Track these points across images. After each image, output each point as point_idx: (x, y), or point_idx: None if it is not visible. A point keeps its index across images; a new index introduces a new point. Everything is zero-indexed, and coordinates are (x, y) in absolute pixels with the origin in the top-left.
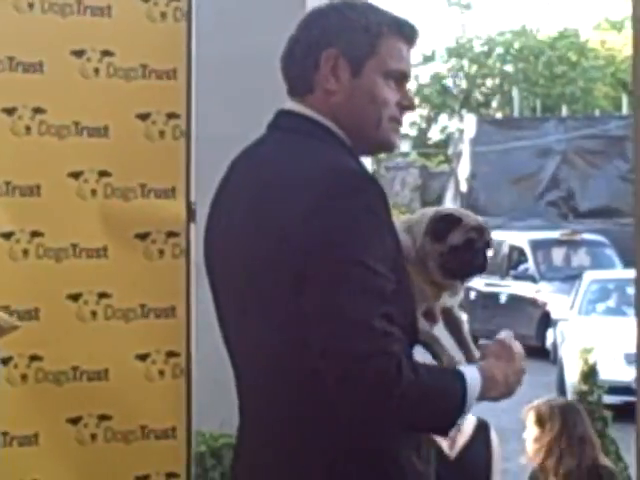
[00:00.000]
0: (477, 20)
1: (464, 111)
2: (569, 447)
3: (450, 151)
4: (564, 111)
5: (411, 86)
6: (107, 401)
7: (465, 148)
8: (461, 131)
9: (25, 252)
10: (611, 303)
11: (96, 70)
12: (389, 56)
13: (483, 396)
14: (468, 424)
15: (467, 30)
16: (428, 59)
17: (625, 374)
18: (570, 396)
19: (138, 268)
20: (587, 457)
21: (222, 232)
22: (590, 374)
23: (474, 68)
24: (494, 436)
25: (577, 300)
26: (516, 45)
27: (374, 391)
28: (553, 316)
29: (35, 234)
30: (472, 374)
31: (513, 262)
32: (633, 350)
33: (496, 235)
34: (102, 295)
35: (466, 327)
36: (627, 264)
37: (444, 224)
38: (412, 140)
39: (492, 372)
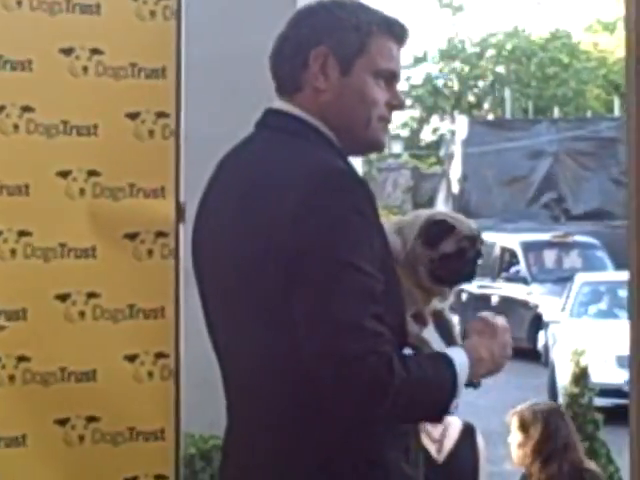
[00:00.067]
0: (469, 21)
1: (456, 112)
2: (553, 452)
3: (442, 152)
4: (556, 113)
5: (403, 87)
6: (95, 402)
7: (457, 149)
8: (453, 132)
9: (13, 252)
10: (603, 305)
11: (85, 68)
12: (379, 55)
13: (472, 377)
14: (454, 428)
15: (459, 31)
16: (420, 60)
17: (616, 377)
18: (561, 398)
19: (127, 268)
20: (571, 461)
21: (210, 232)
22: (581, 377)
23: (466, 69)
24: (480, 440)
25: (569, 302)
26: (508, 46)
27: (367, 391)
28: (545, 318)
29: (23, 233)
30: (460, 358)
31: (505, 264)
32: (624, 352)
33: (488, 237)
34: (90, 295)
35: (457, 329)
36: (619, 266)
37: (437, 230)
38: (404, 141)
39: (478, 351)
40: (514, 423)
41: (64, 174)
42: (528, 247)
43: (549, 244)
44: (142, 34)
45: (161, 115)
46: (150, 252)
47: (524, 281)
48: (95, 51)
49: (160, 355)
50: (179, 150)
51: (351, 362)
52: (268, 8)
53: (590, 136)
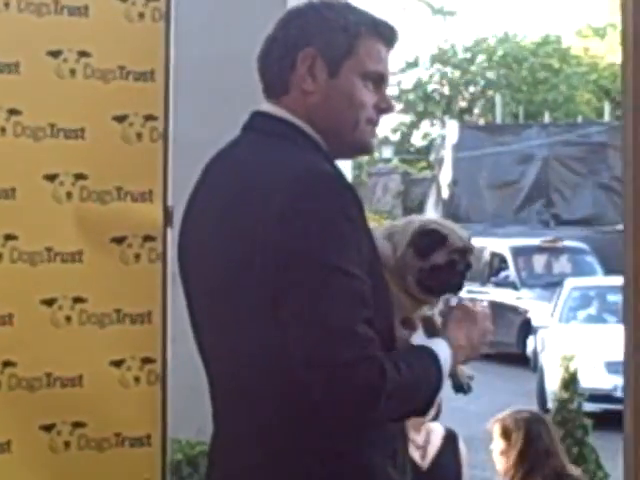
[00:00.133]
0: (460, 26)
1: (447, 117)
2: (535, 459)
3: (432, 157)
4: (546, 118)
5: (393, 92)
6: (81, 408)
7: (447, 154)
8: (443, 137)
9: None
10: (592, 310)
11: (73, 71)
12: (367, 57)
13: (452, 366)
14: (437, 434)
15: (450, 36)
16: (411, 65)
17: (605, 382)
18: (550, 404)
19: (114, 273)
20: (553, 468)
21: (196, 236)
22: (571, 382)
23: (457, 74)
24: (462, 446)
25: (558, 307)
26: (499, 52)
27: (360, 397)
28: (534, 323)
29: (9, 237)
30: (444, 352)
31: (494, 269)
32: (613, 358)
33: (477, 242)
34: (77, 300)
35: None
36: (608, 271)
37: (428, 241)
38: (394, 146)
39: (457, 340)
40: (496, 430)
41: (51, 177)
42: (517, 252)
43: (539, 249)
44: (130, 36)
45: (149, 118)
46: (137, 256)
47: (513, 286)
48: (83, 53)
49: (147, 360)
50: (167, 153)
51: (344, 368)
52: (258, 10)
53: (580, 141)
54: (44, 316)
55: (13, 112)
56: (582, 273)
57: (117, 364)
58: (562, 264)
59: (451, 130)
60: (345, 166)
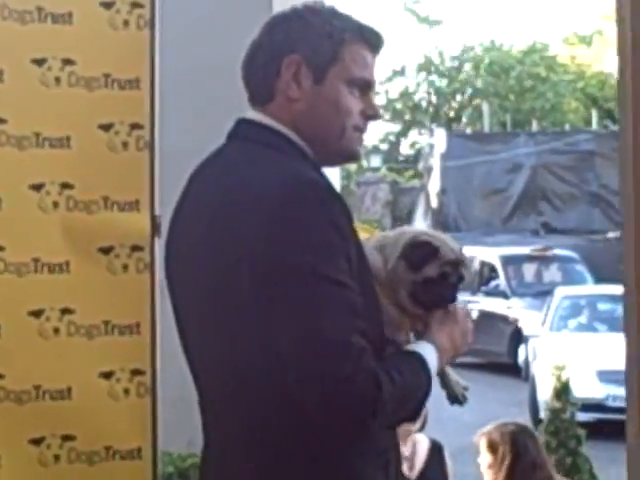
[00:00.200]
0: (447, 35)
1: (434, 126)
2: (522, 472)
3: (421, 166)
4: (534, 126)
5: (381, 101)
6: (70, 421)
7: (435, 163)
8: (431, 146)
9: None
10: (582, 319)
11: (57, 79)
12: (352, 63)
13: (438, 369)
14: (422, 446)
15: (437, 45)
16: (398, 74)
17: (597, 391)
18: (543, 413)
19: (101, 283)
20: None
21: (182, 247)
22: (563, 391)
23: (444, 83)
24: (448, 457)
25: (549, 316)
26: (486, 60)
27: (358, 410)
28: (525, 332)
29: None
30: (431, 356)
31: (484, 278)
32: (605, 367)
33: (467, 251)
34: (65, 311)
35: None
36: (598, 280)
37: (420, 253)
38: (382, 155)
39: (441, 342)
40: (482, 444)
41: (37, 187)
42: (507, 261)
43: (528, 258)
44: (115, 44)
45: (135, 127)
46: (125, 267)
47: (504, 295)
48: (67, 61)
49: (136, 372)
50: (154, 162)
51: (340, 381)
52: (244, 17)
53: (568, 149)
54: (32, 328)
55: None
56: (572, 282)
57: (106, 376)
58: (552, 273)
59: (439, 139)
60: (333, 175)
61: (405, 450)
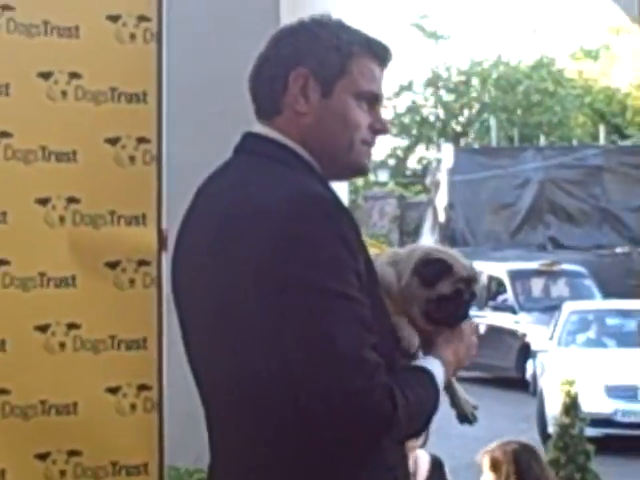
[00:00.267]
0: (455, 50)
1: (442, 141)
2: None
3: (428, 181)
4: (542, 141)
5: (388, 116)
6: (76, 436)
7: (443, 178)
8: (439, 161)
9: None
10: (591, 334)
11: (64, 93)
12: (360, 76)
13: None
14: (423, 461)
15: (445, 60)
16: (405, 89)
17: (605, 406)
18: (551, 429)
19: (108, 298)
20: None
21: (189, 262)
22: (572, 407)
23: (452, 98)
24: (448, 473)
25: (557, 331)
26: (494, 75)
27: (373, 426)
28: (533, 347)
29: (1, 262)
30: (439, 371)
31: (492, 293)
32: (613, 382)
33: (474, 265)
34: (71, 326)
35: None
36: (606, 295)
37: (434, 270)
38: (390, 170)
39: (447, 359)
40: (485, 463)
41: (43, 201)
42: (515, 276)
43: (536, 272)
44: (122, 57)
45: (142, 140)
46: (132, 281)
47: (512, 310)
48: (74, 75)
49: (143, 387)
50: (161, 176)
51: (355, 397)
52: (251, 31)
53: (576, 164)
54: (38, 342)
55: (3, 135)
56: (580, 296)
57: (113, 391)
58: (560, 287)
59: (447, 153)
60: (342, 189)
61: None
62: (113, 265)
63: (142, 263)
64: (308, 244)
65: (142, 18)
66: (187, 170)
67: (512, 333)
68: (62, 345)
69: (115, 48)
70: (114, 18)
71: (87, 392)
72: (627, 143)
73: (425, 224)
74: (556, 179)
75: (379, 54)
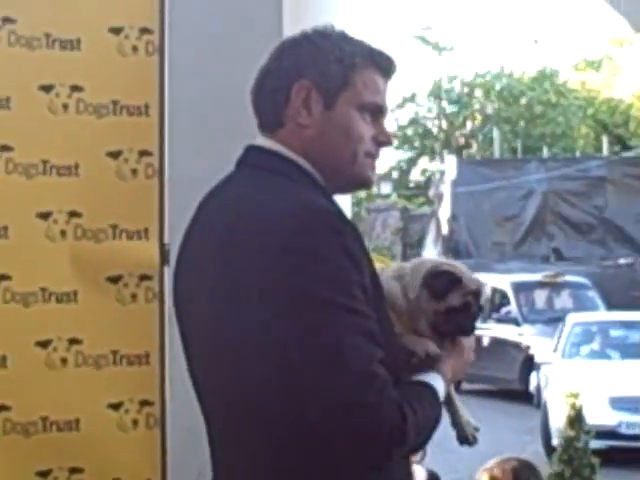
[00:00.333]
0: (457, 61)
1: (445, 152)
2: None
3: (431, 193)
4: (545, 152)
5: (391, 127)
6: (78, 453)
7: (446, 190)
8: (442, 172)
9: None
10: (595, 346)
11: (65, 106)
12: (364, 88)
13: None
14: (420, 478)
15: (448, 72)
16: (408, 101)
17: (610, 418)
18: (555, 441)
19: (110, 313)
20: None
21: (191, 276)
22: (576, 419)
23: (455, 109)
24: None
25: (560, 343)
26: (496, 86)
27: (384, 441)
28: (536, 359)
29: (2, 277)
30: (440, 387)
31: (495, 305)
32: (618, 394)
33: (478, 277)
34: (72, 341)
35: None
36: (610, 306)
37: (444, 282)
38: (393, 182)
39: (446, 373)
40: None
41: (44, 215)
42: (519, 287)
43: (540, 284)
44: (124, 70)
45: (144, 154)
46: (134, 296)
47: (515, 322)
48: (75, 88)
49: (145, 403)
50: (163, 190)
51: (367, 412)
52: (254, 43)
53: (579, 175)
54: (39, 358)
55: (4, 148)
56: (584, 308)
57: (115, 407)
58: (564, 299)
59: (450, 165)
60: (345, 202)
61: None
62: (115, 280)
63: (144, 278)
64: (312, 258)
65: (144, 30)
66: (189, 183)
67: (516, 345)
68: (64, 361)
69: (117, 61)
70: (116, 30)
71: (89, 408)
72: (630, 154)
73: (428, 236)
74: (559, 190)
75: (383, 65)
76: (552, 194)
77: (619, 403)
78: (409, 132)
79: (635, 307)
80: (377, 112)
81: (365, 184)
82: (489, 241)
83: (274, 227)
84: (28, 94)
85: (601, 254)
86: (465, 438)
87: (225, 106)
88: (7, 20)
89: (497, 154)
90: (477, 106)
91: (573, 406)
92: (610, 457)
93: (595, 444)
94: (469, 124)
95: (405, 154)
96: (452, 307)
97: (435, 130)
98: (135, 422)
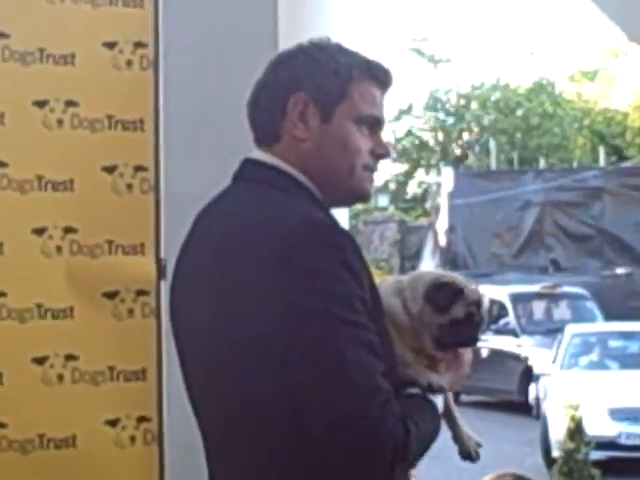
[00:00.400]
0: (453, 73)
1: (442, 164)
2: None
3: (428, 205)
4: (542, 164)
5: (388, 140)
6: (76, 470)
7: (443, 201)
8: (439, 185)
9: None
10: (594, 357)
11: (60, 121)
12: (361, 101)
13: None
14: None
15: (444, 84)
16: (404, 113)
17: (609, 429)
18: (556, 453)
19: (106, 329)
20: None
21: (187, 292)
22: (576, 431)
23: (451, 121)
24: None
25: (559, 354)
26: (493, 98)
27: (388, 454)
28: (535, 370)
29: None
30: (439, 400)
31: (493, 316)
32: (617, 404)
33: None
34: (69, 357)
35: None
36: (608, 317)
37: (446, 294)
38: (390, 194)
39: (446, 386)
40: None
41: (39, 231)
42: (517, 299)
43: (538, 295)
44: (118, 85)
45: (139, 169)
46: (130, 311)
47: (513, 333)
48: (70, 103)
49: (142, 419)
50: (159, 205)
51: (372, 425)
52: (249, 57)
53: (576, 186)
54: (35, 375)
55: None
56: (582, 319)
57: (112, 423)
58: (562, 310)
59: (447, 177)
60: (342, 215)
61: None
62: (111, 295)
63: (141, 293)
64: (311, 272)
65: (139, 44)
66: (185, 198)
67: (514, 356)
68: (60, 377)
69: (111, 75)
70: (110, 45)
71: (86, 425)
72: (627, 164)
73: (426, 248)
74: (557, 201)
75: (380, 77)
76: (549, 205)
77: (618, 414)
78: (406, 144)
79: (634, 317)
80: (374, 124)
81: (363, 197)
82: (487, 253)
83: (272, 242)
84: (22, 109)
85: (599, 265)
86: (468, 454)
87: (221, 120)
88: (1, 35)
89: (494, 165)
90: (473, 118)
91: (573, 418)
92: (610, 468)
93: (595, 455)
94: (465, 136)
95: (402, 166)
96: (456, 319)
97: (432, 142)
98: (132, 438)
